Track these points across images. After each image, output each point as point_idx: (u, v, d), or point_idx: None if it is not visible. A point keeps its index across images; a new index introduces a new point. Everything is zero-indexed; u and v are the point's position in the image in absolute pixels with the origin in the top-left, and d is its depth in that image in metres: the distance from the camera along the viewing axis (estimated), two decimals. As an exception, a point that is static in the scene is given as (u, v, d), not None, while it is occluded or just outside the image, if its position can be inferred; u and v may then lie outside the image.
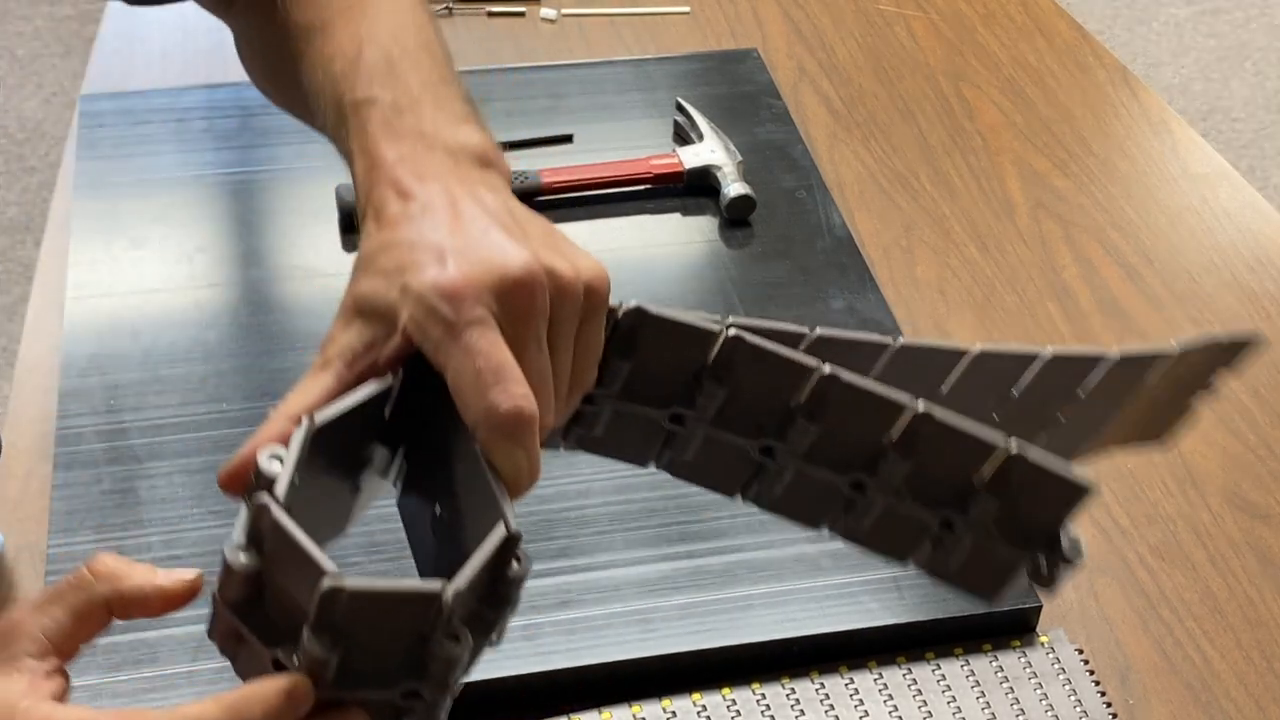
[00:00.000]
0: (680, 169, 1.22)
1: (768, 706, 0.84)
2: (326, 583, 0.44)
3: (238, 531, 0.48)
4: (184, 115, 1.28)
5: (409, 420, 0.55)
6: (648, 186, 1.23)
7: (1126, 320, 1.14)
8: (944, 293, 1.16)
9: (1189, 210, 1.27)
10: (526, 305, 0.54)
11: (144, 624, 0.85)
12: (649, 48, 1.45)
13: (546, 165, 1.22)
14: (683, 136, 1.28)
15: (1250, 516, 0.99)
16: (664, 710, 0.83)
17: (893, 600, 0.88)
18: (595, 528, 0.92)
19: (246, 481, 0.51)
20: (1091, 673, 0.87)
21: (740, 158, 1.23)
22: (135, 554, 0.89)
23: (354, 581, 0.44)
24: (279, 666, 0.48)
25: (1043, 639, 0.88)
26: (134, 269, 1.12)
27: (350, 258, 1.16)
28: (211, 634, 0.50)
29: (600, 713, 0.83)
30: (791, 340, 0.59)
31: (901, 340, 0.61)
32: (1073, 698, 0.85)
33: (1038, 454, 0.55)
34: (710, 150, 1.23)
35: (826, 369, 0.57)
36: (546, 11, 1.49)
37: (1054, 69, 1.44)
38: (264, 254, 1.14)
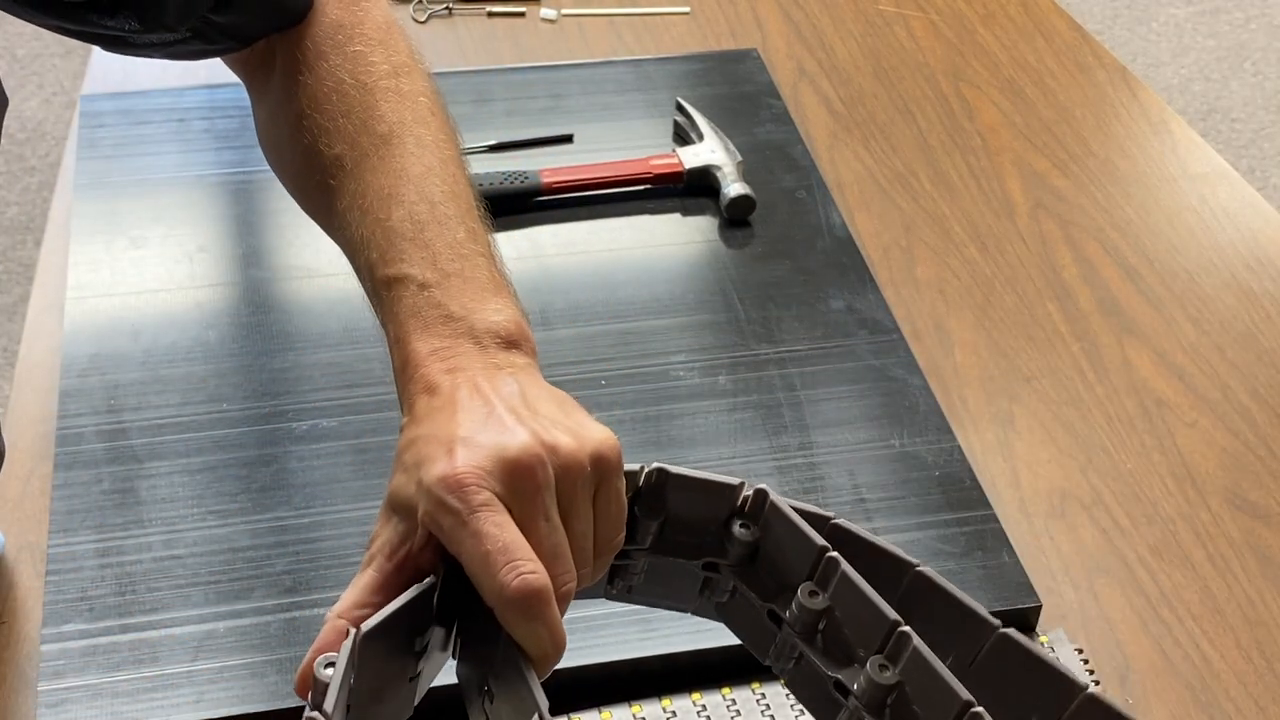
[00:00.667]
0: (680, 169, 1.22)
1: (768, 706, 0.84)
2: None
3: None
4: (184, 115, 1.29)
5: (460, 599, 0.58)
6: (648, 186, 1.23)
7: (1126, 320, 1.14)
8: (944, 293, 1.16)
9: (1188, 210, 1.27)
10: (529, 482, 0.57)
11: (144, 624, 0.86)
12: (649, 48, 1.45)
13: (546, 165, 1.22)
14: (683, 136, 1.28)
15: (1250, 516, 0.99)
16: (664, 710, 0.84)
17: (892, 600, 0.88)
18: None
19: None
20: (1091, 672, 0.87)
21: (740, 158, 1.23)
22: (135, 554, 0.90)
23: None
24: None
25: (1043, 639, 0.88)
26: (134, 269, 1.12)
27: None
28: None
29: (600, 712, 0.83)
30: (812, 522, 0.62)
31: (923, 569, 0.62)
32: (1072, 697, 0.85)
33: None
34: (710, 150, 1.23)
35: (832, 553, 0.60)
36: (546, 11, 1.49)
37: (1054, 69, 1.44)
38: (264, 254, 1.14)
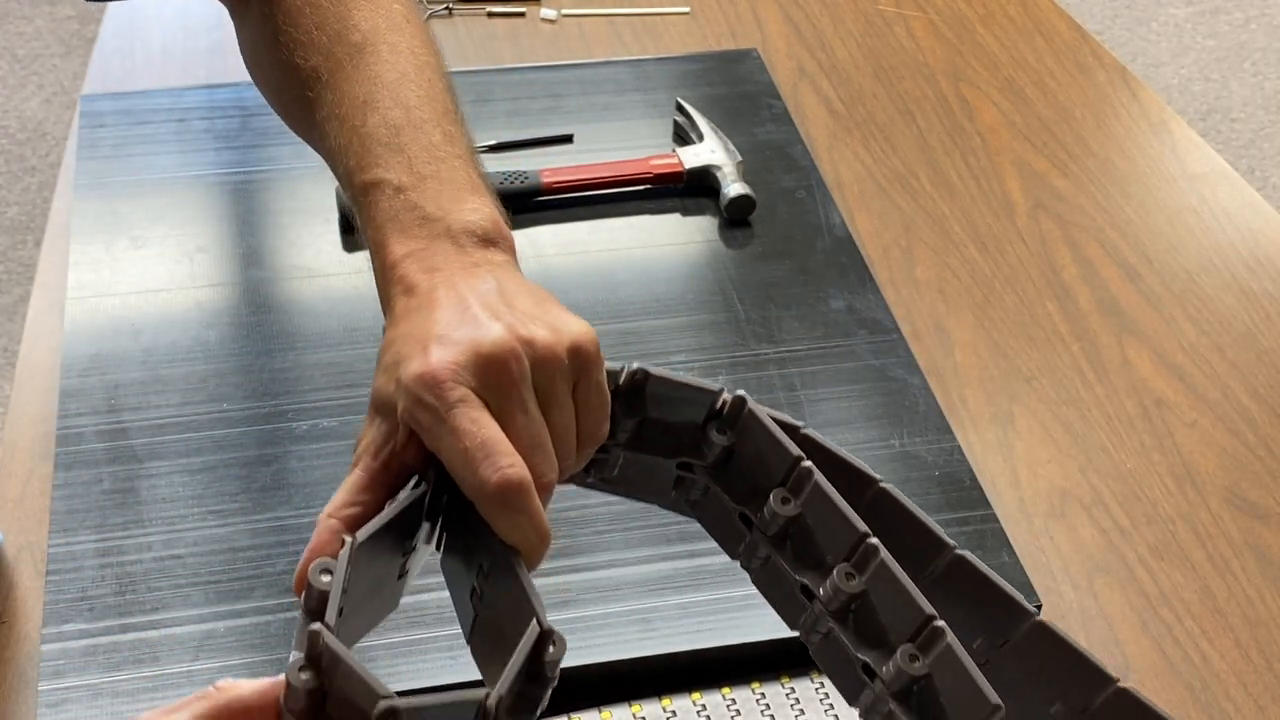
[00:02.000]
0: (680, 169, 1.22)
1: (767, 706, 0.84)
2: (382, 705, 0.48)
3: (296, 651, 0.51)
4: (184, 115, 1.29)
5: (448, 494, 0.59)
6: (648, 186, 1.23)
7: (1126, 320, 1.14)
8: (943, 293, 1.16)
9: (1188, 210, 1.27)
10: (504, 376, 0.57)
11: (144, 624, 0.86)
12: (649, 48, 1.45)
13: (546, 165, 1.22)
14: (683, 136, 1.28)
15: (1250, 516, 0.99)
16: (664, 710, 0.84)
17: (892, 600, 0.88)
18: (595, 527, 0.92)
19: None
20: (1091, 672, 0.87)
21: (740, 158, 1.23)
22: (135, 554, 0.90)
23: (405, 702, 0.48)
24: None
25: (1042, 639, 0.88)
26: (134, 269, 1.12)
27: (349, 258, 1.16)
28: None
29: (600, 712, 0.83)
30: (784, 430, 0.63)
31: (886, 485, 0.63)
32: (1072, 697, 0.85)
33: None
34: (710, 150, 1.23)
35: (806, 463, 0.61)
36: (546, 11, 1.49)
37: (1053, 69, 1.45)
38: (264, 254, 1.15)
